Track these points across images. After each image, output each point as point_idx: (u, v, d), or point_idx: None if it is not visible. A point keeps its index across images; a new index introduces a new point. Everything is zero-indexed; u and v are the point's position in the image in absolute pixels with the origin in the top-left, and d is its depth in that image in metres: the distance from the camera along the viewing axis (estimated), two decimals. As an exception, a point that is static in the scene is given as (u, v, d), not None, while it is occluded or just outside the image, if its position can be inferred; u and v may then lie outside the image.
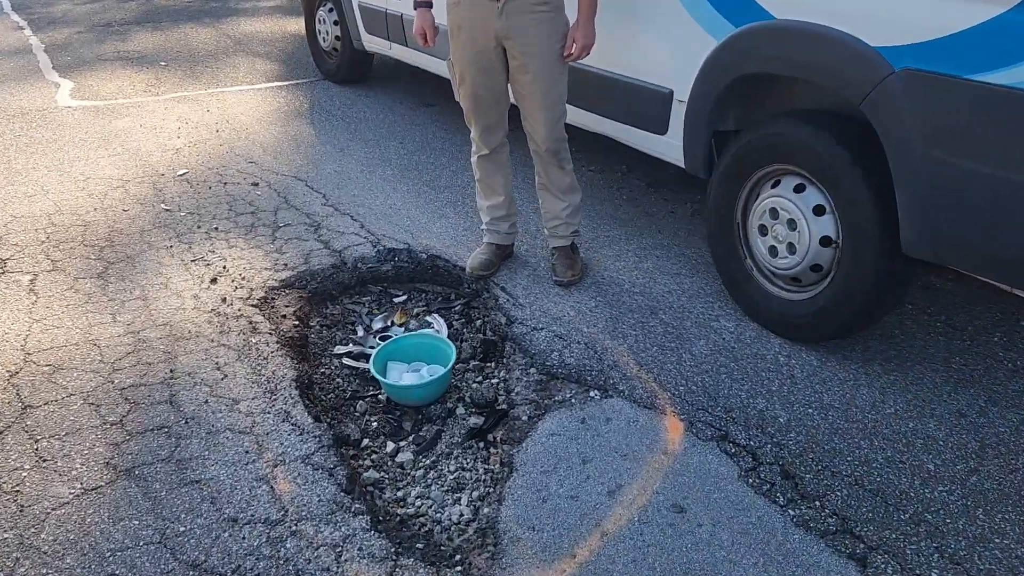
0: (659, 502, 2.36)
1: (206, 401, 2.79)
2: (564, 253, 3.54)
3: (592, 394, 2.84)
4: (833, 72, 2.61)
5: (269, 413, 2.73)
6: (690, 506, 2.34)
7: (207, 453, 2.54)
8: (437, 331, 3.42)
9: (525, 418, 2.75)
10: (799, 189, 2.89)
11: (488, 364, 3.22)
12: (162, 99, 6.19)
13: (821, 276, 2.92)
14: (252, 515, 2.30)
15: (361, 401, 3.04)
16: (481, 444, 2.79)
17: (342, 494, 2.38)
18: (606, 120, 3.72)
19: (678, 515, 2.31)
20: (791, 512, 2.29)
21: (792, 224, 2.90)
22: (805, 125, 2.80)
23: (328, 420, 2.88)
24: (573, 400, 2.82)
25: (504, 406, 2.92)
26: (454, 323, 3.51)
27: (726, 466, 2.48)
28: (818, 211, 2.84)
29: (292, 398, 2.81)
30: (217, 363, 3.01)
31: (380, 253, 3.80)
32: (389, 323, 3.53)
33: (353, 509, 2.33)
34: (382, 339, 3.33)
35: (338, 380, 3.15)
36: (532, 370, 2.99)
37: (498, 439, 2.79)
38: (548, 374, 2.95)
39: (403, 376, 3.07)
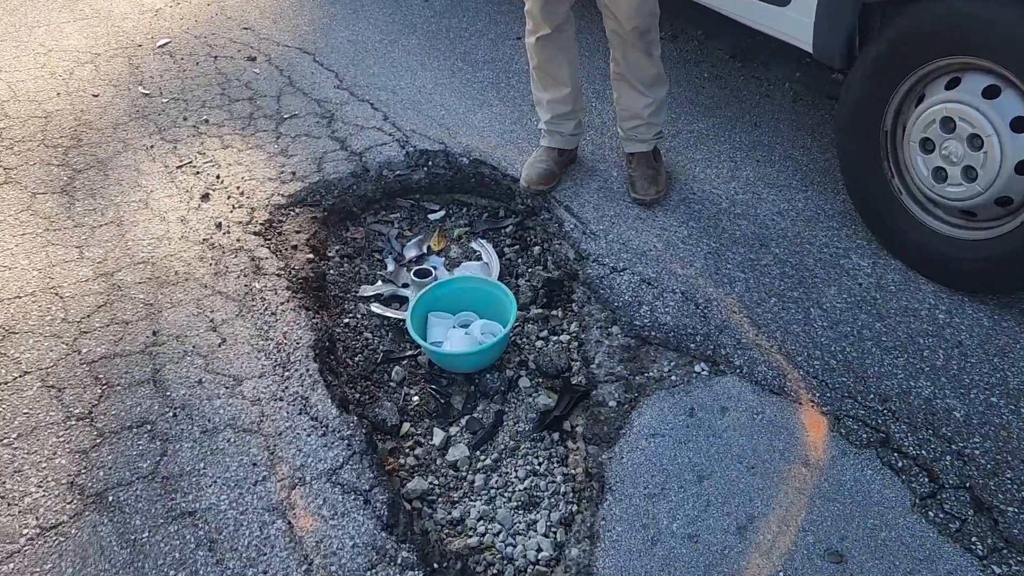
0: (808, 545, 1.75)
1: (200, 381, 2.15)
2: (645, 162, 2.77)
3: (698, 369, 2.18)
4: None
5: (282, 400, 2.10)
6: (851, 552, 1.74)
7: (202, 466, 1.93)
8: (486, 262, 2.72)
9: (613, 403, 2.11)
10: (991, 93, 2.10)
11: (553, 311, 2.55)
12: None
13: (1007, 212, 2.18)
14: (264, 569, 1.70)
15: (397, 366, 2.39)
16: (555, 434, 2.16)
17: (383, 533, 1.78)
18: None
19: (836, 566, 1.71)
20: (996, 571, 1.68)
21: (975, 142, 2.12)
22: (1012, 1, 1.97)
23: (357, 402, 2.25)
24: (674, 377, 2.16)
25: (581, 380, 2.27)
26: (505, 250, 2.81)
27: (893, 489, 1.85)
28: (1018, 126, 2.06)
29: (310, 375, 2.17)
30: (212, 321, 2.35)
31: (410, 157, 3.04)
32: (424, 249, 2.83)
33: (400, 560, 1.73)
34: (417, 276, 2.65)
35: (366, 335, 2.50)
36: (615, 330, 2.32)
37: (578, 431, 2.16)
38: (637, 336, 2.28)
39: (450, 334, 2.41)
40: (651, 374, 2.18)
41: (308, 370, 2.19)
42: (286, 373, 2.18)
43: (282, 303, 2.41)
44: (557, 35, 2.64)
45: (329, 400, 2.10)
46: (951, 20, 2.12)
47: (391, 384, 2.36)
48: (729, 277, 2.44)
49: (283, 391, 2.12)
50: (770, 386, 2.11)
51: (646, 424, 2.04)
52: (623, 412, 2.09)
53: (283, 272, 2.54)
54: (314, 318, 2.40)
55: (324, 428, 2.02)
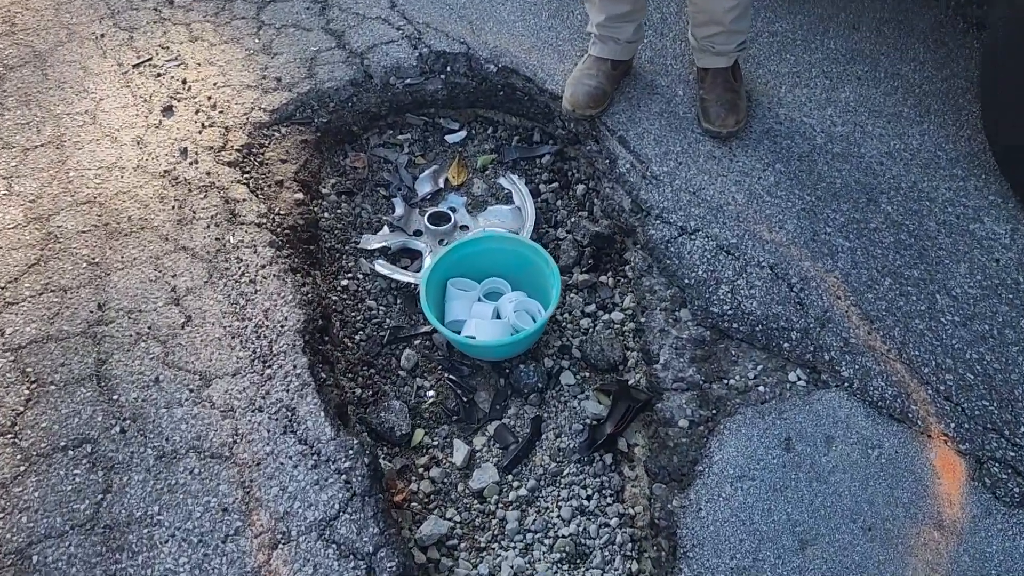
0: (949, 653, 1.32)
1: (157, 379, 1.68)
2: (722, 81, 2.18)
3: (793, 377, 1.70)
4: None
5: (261, 411, 1.63)
6: (1005, 664, 1.31)
7: (157, 510, 1.48)
8: (517, 207, 2.19)
9: (684, 423, 1.64)
10: None
11: (602, 277, 2.04)
12: None
13: None
14: (237, 674, 1.29)
15: (408, 349, 1.91)
16: (608, 456, 1.71)
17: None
18: None
19: None
20: None
21: None
22: None
23: (358, 400, 1.79)
24: (762, 388, 1.68)
25: (640, 381, 1.79)
26: (541, 188, 2.27)
27: (1059, 571, 1.41)
28: None
29: (298, 375, 1.69)
30: (174, 290, 1.85)
31: (424, 60, 2.43)
32: (440, 183, 2.29)
33: (414, 664, 1.31)
34: (433, 221, 2.13)
35: (369, 303, 2.01)
36: (684, 315, 1.82)
37: (636, 454, 1.70)
38: (714, 327, 1.79)
39: (474, 311, 1.92)
40: (732, 382, 1.70)
41: (295, 367, 1.71)
42: (267, 370, 1.70)
43: (263, 265, 1.90)
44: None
45: (322, 412, 1.63)
46: None
47: (400, 373, 1.89)
48: (830, 245, 1.92)
49: (263, 398, 1.65)
50: (889, 409, 1.63)
51: (730, 459, 1.57)
52: (698, 438, 1.62)
53: (265, 219, 2.01)
54: (303, 285, 1.90)
55: (315, 455, 1.56)
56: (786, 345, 1.74)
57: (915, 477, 1.54)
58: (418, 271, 2.07)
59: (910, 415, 1.62)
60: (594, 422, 1.76)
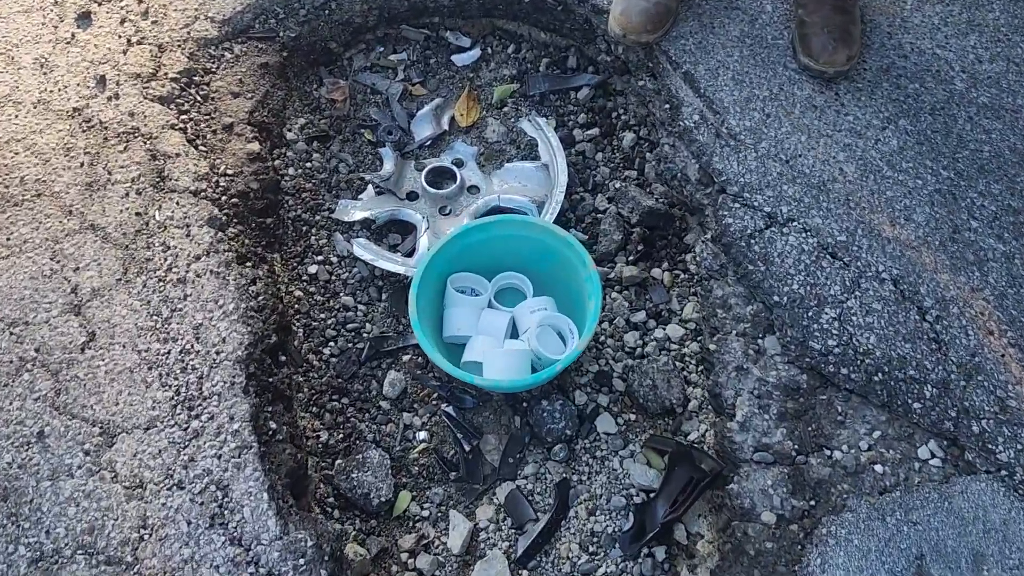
0: None
1: (41, 433, 1.22)
2: (830, 0, 1.58)
3: (926, 453, 1.22)
4: None
5: (182, 489, 1.18)
6: None
7: (27, 650, 1.05)
8: (545, 164, 1.65)
9: (769, 518, 1.18)
10: None
11: (654, 271, 1.53)
12: None
13: None
14: None
15: (394, 371, 1.43)
16: (662, 551, 1.25)
17: None
18: None
19: None
20: None
21: None
22: None
23: (323, 450, 1.33)
24: (880, 467, 1.21)
25: (706, 442, 1.31)
26: (576, 133, 1.72)
27: None
28: None
29: (236, 431, 1.23)
30: (75, 289, 1.36)
31: (424, -48, 1.82)
32: (444, 124, 1.74)
33: None
34: (432, 181, 1.61)
35: (344, 300, 1.51)
36: (770, 347, 1.32)
37: (701, 553, 1.24)
38: (813, 369, 1.29)
39: (483, 321, 1.42)
40: (839, 455, 1.22)
41: (232, 418, 1.23)
42: (193, 422, 1.23)
43: (198, 256, 1.39)
44: None
45: (266, 494, 1.17)
46: None
47: (382, 404, 1.42)
48: (978, 249, 1.38)
49: (185, 467, 1.19)
50: (1067, 514, 1.15)
51: (839, 589, 1.11)
52: (790, 544, 1.16)
53: (205, 184, 1.49)
54: (253, 283, 1.40)
55: (253, 564, 1.11)
56: (917, 405, 1.24)
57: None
58: (410, 255, 1.56)
59: (1096, 526, 1.13)
60: (641, 497, 1.29)
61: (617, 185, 1.63)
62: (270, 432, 1.26)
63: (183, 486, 1.17)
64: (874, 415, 1.25)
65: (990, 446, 1.20)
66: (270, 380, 1.33)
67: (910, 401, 1.25)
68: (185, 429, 1.22)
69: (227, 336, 1.31)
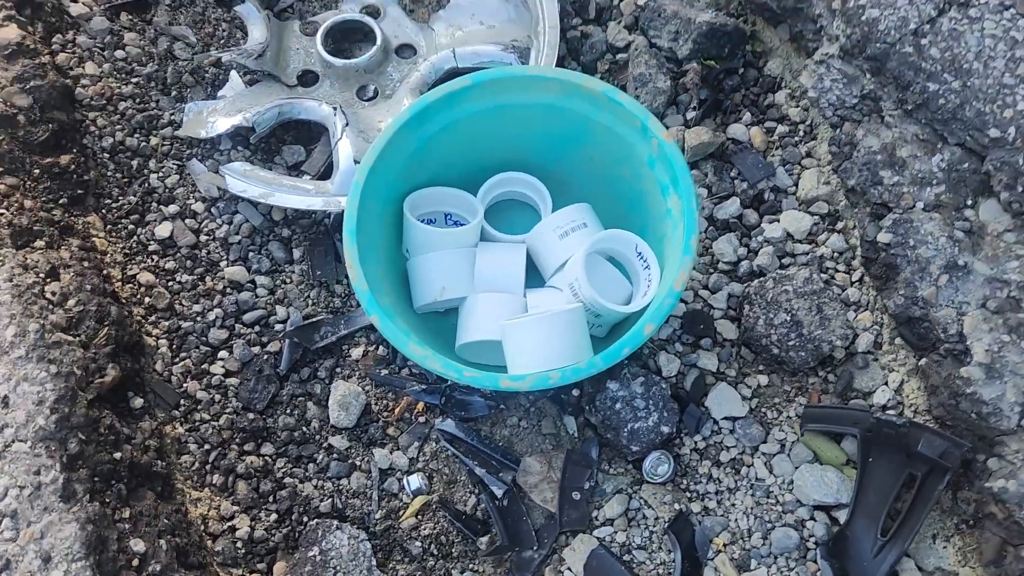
0: None
1: None
2: None
3: None
4: None
5: None
6: None
7: None
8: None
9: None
10: None
11: (728, 121, 0.91)
12: None
13: None
14: None
15: (339, 380, 0.81)
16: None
17: None
18: None
19: None
20: None
21: None
22: None
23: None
24: None
25: (911, 411, 0.74)
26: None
27: None
28: None
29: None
30: None
31: None
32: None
33: None
34: (335, 44, 0.94)
35: (228, 273, 0.86)
36: (983, 211, 0.73)
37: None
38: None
39: (480, 268, 0.80)
40: None
41: (51, 560, 0.60)
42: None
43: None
44: None
45: None
46: None
47: (333, 443, 0.82)
48: None
49: None
50: None
51: None
52: None
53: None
54: (50, 278, 0.74)
55: None
56: None
57: None
58: (327, 176, 0.91)
59: None
60: (824, 521, 0.73)
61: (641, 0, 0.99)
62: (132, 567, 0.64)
63: None
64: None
65: None
66: (115, 457, 0.70)
67: None
68: None
69: (12, 395, 0.67)
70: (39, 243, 0.80)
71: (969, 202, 0.77)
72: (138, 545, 0.67)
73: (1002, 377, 0.70)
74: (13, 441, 0.66)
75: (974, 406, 0.71)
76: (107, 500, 0.68)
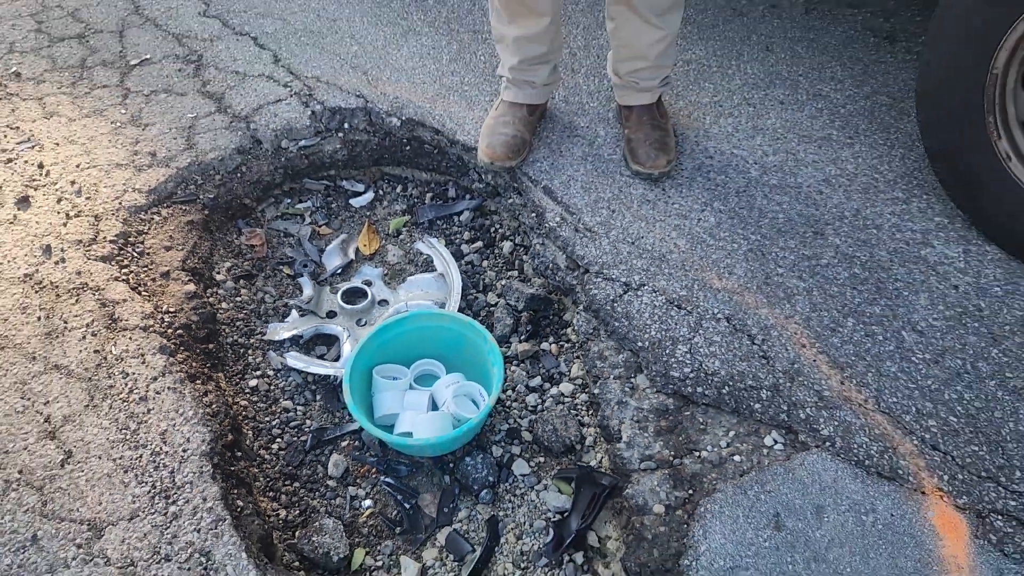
0: None
1: (34, 537, 1.38)
2: (648, 119, 2.04)
3: (769, 441, 1.54)
4: None
5: (170, 561, 1.36)
6: None
7: None
8: (440, 273, 1.98)
9: (659, 508, 1.46)
10: None
11: (543, 344, 1.85)
12: None
13: None
14: None
15: (335, 454, 1.67)
16: (579, 555, 1.51)
17: None
18: None
19: None
20: None
21: None
22: None
23: (284, 524, 1.53)
24: (738, 458, 1.52)
25: (602, 462, 1.60)
26: (463, 248, 2.07)
27: (1088, 637, 1.28)
28: None
29: (210, 508, 1.43)
30: (47, 419, 1.55)
31: (318, 118, 2.21)
32: (351, 254, 2.06)
33: None
34: (347, 299, 1.90)
35: (284, 405, 1.76)
36: (642, 382, 1.65)
37: (610, 549, 1.50)
38: (676, 393, 1.62)
39: (407, 400, 1.69)
40: (705, 454, 1.53)
41: (206, 499, 1.44)
42: (172, 508, 1.43)
43: (154, 377, 1.62)
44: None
45: (243, 553, 1.37)
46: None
47: (329, 483, 1.64)
48: (785, 288, 1.78)
49: (170, 543, 1.38)
50: (877, 467, 1.49)
51: (718, 548, 1.39)
52: (678, 525, 1.44)
53: (152, 321, 1.73)
54: (205, 395, 1.63)
55: (240, 612, 1.30)
56: (757, 406, 1.59)
57: (916, 542, 1.39)
58: (337, 359, 1.83)
59: (900, 471, 1.48)
60: (558, 517, 1.56)
61: (503, 283, 1.98)
62: (239, 508, 1.47)
63: (170, 559, 1.36)
64: (727, 419, 1.58)
65: (815, 427, 1.55)
66: (232, 469, 1.55)
67: (752, 404, 1.59)
68: (165, 514, 1.42)
69: (191, 436, 1.54)
70: (199, 381, 1.70)
71: (633, 375, 1.68)
72: (241, 503, 1.50)
73: (633, 448, 1.57)
74: (192, 454, 1.52)
75: (621, 461, 1.57)
76: (228, 484, 1.51)
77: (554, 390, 1.77)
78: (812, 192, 1.99)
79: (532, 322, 1.89)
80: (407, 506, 1.60)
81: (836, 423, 1.55)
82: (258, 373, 1.81)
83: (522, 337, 1.87)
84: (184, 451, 1.51)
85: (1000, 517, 1.42)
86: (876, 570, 1.36)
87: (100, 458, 1.50)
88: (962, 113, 1.79)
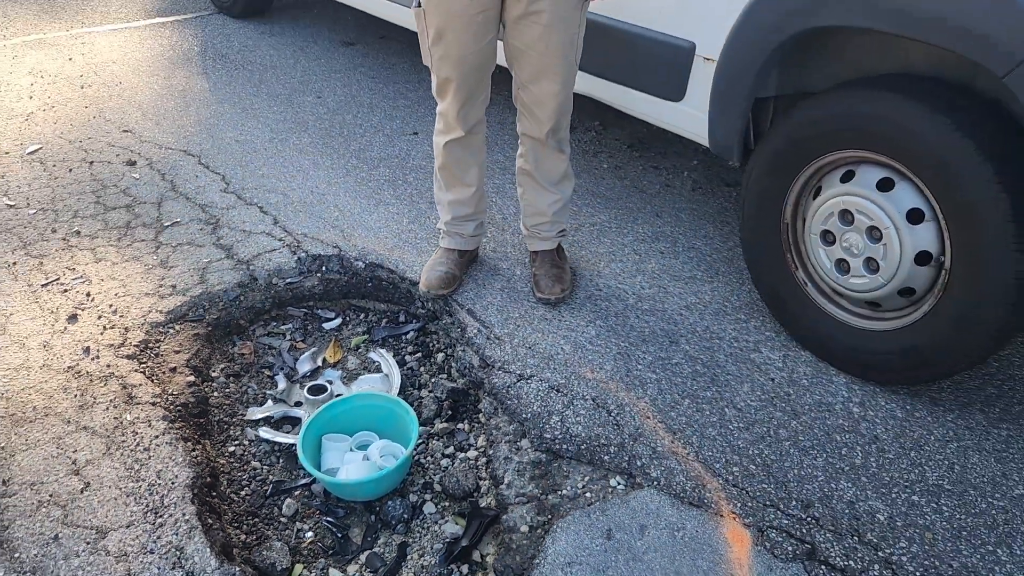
0: None
1: (56, 536, 1.88)
2: (548, 260, 2.68)
3: (614, 483, 2.04)
4: (967, 31, 1.78)
5: (153, 553, 1.85)
6: None
7: (54, 644, 1.65)
8: (386, 374, 2.55)
9: (525, 528, 1.94)
10: (886, 186, 2.09)
11: (459, 424, 2.39)
12: (9, 44, 4.97)
13: (911, 303, 2.15)
14: None
15: (289, 499, 2.17)
16: (464, 567, 1.97)
17: None
18: (597, 80, 2.82)
19: None
20: None
21: (874, 233, 2.10)
22: (906, 100, 1.97)
23: (242, 544, 2.02)
24: (589, 494, 2.01)
25: (491, 504, 2.10)
26: (407, 358, 2.64)
27: (827, 609, 1.73)
28: (914, 217, 2.04)
29: (187, 520, 1.93)
30: (75, 462, 2.09)
31: (302, 262, 2.87)
32: (319, 362, 2.64)
33: None
34: (311, 392, 2.45)
35: (254, 464, 2.27)
36: (525, 444, 2.17)
37: (488, 561, 1.97)
38: (548, 450, 2.13)
39: (346, 459, 2.21)
40: (565, 492, 2.03)
41: (184, 514, 1.95)
42: (159, 520, 1.93)
43: (157, 436, 2.17)
44: (471, 138, 2.54)
45: (208, 549, 1.86)
46: (844, 115, 2.11)
47: (282, 520, 2.14)
48: (640, 379, 2.33)
49: (154, 542, 1.88)
50: (689, 498, 1.98)
51: (561, 551, 1.87)
52: (536, 538, 1.92)
53: (159, 399, 2.30)
54: (193, 451, 2.17)
55: (201, 584, 1.78)
56: (606, 458, 2.10)
57: (712, 549, 1.86)
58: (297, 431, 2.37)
59: (706, 501, 1.97)
60: (451, 540, 2.04)
61: (433, 381, 2.54)
62: (208, 524, 1.97)
63: (153, 551, 1.86)
64: (584, 468, 2.09)
65: (647, 471, 2.06)
66: (207, 500, 2.06)
67: (603, 456, 2.11)
68: (153, 523, 1.93)
69: (179, 473, 2.07)
70: (189, 443, 2.23)
71: (519, 439, 2.20)
72: (210, 520, 2.00)
73: (512, 489, 2.07)
74: (179, 485, 2.03)
75: (503, 498, 2.06)
76: (202, 507, 2.02)
77: (462, 455, 2.29)
78: (674, 314, 2.59)
79: (452, 408, 2.43)
80: (339, 535, 2.09)
81: (663, 468, 2.06)
82: (236, 442, 2.34)
83: (443, 419, 2.41)
84: (172, 483, 2.03)
85: (775, 531, 1.90)
86: (679, 567, 1.83)
87: (111, 487, 2.02)
88: (769, 252, 2.42)
